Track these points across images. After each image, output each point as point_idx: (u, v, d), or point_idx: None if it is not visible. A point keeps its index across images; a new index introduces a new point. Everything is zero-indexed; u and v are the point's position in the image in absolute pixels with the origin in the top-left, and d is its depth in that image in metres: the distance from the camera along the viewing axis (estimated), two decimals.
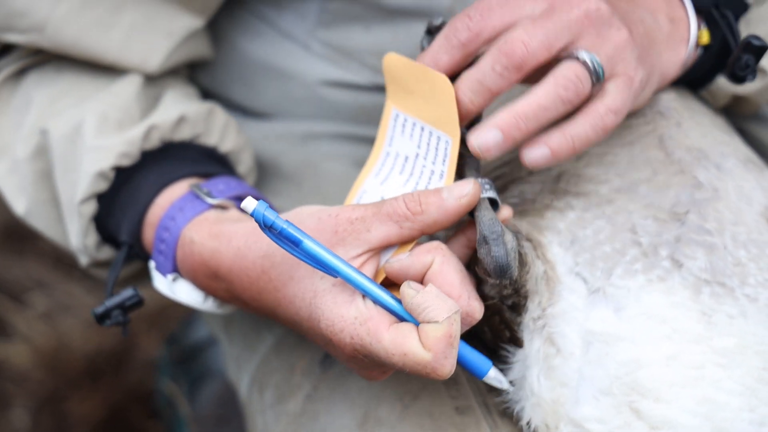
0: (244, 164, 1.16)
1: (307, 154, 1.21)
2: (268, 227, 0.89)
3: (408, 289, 0.89)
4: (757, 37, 1.04)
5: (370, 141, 1.23)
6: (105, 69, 1.13)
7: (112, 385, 1.87)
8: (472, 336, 0.98)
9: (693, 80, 1.10)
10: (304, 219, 0.93)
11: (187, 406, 1.52)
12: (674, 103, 1.08)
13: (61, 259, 2.03)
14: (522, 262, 0.96)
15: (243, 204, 0.88)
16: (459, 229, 0.98)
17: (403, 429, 1.03)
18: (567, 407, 0.96)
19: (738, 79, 1.06)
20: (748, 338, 0.95)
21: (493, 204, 0.97)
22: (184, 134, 1.11)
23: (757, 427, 0.93)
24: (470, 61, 0.97)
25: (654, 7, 1.04)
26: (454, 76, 0.96)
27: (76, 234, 1.10)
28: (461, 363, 0.92)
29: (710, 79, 1.11)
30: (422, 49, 0.98)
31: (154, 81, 1.14)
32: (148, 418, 1.81)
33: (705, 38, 1.07)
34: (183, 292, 1.06)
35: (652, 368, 0.94)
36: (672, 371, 0.94)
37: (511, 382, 0.98)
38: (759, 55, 1.05)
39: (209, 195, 1.05)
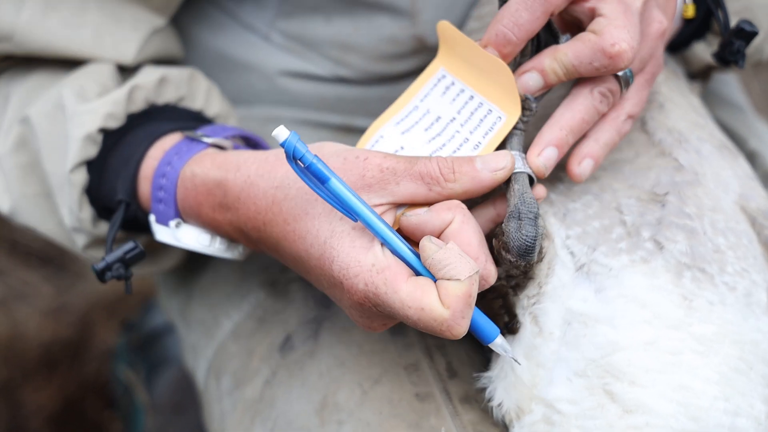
0: (232, 120, 1.14)
1: (268, 136, 1.20)
2: (295, 160, 0.87)
3: (429, 244, 0.88)
4: (748, 22, 1.05)
5: (331, 127, 1.23)
6: (80, 63, 1.12)
7: (68, 375, 1.86)
8: None
9: (669, 46, 1.11)
10: (327, 156, 0.91)
11: (145, 394, 1.52)
12: (658, 85, 1.08)
13: (16, 246, 2.01)
14: (541, 249, 0.96)
15: (275, 132, 0.86)
16: (488, 200, 0.97)
17: (362, 415, 1.02)
18: (540, 388, 0.96)
19: (726, 63, 1.06)
20: (726, 327, 0.95)
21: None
22: (168, 96, 1.10)
23: (732, 416, 0.93)
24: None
25: None
26: (534, 43, 0.96)
27: (70, 210, 1.08)
28: (471, 326, 0.90)
29: (686, 45, 1.11)
30: (502, 3, 0.95)
31: (129, 71, 1.13)
32: (105, 408, 1.80)
33: (690, 12, 1.08)
34: (188, 237, 1.03)
35: (629, 352, 0.94)
36: (649, 356, 0.93)
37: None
38: (749, 40, 1.05)
39: (205, 136, 1.03)
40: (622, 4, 0.93)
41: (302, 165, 0.88)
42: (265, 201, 0.94)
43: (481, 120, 0.97)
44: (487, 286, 0.91)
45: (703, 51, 1.13)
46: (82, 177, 1.06)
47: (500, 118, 0.97)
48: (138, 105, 1.08)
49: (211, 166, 0.99)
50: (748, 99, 1.37)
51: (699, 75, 1.18)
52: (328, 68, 1.20)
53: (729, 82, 1.34)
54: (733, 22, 1.07)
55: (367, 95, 1.21)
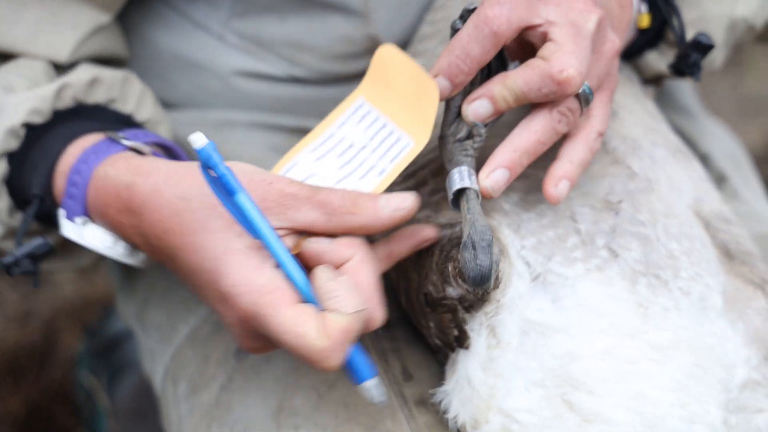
0: (163, 125, 1.14)
1: (222, 141, 1.20)
2: (208, 169, 0.88)
3: (323, 273, 0.88)
4: (705, 35, 1.05)
5: (285, 129, 1.23)
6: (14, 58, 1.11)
7: (34, 382, 1.85)
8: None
9: (623, 54, 1.11)
10: (234, 174, 0.91)
11: (106, 399, 1.52)
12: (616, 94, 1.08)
13: None
14: (498, 276, 0.95)
15: (192, 137, 0.86)
16: (384, 240, 0.98)
17: (317, 419, 1.02)
18: (498, 398, 0.96)
19: (682, 74, 1.07)
20: (681, 333, 0.95)
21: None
22: (98, 97, 1.09)
23: (687, 423, 0.93)
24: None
25: None
26: (483, 71, 0.96)
27: None
28: (347, 363, 0.90)
29: (639, 54, 1.12)
30: (453, 31, 0.96)
31: (64, 70, 1.12)
32: (71, 415, 1.79)
33: (645, 22, 1.08)
34: (92, 236, 1.02)
35: (587, 362, 0.94)
36: (606, 365, 0.94)
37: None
38: (706, 53, 1.06)
39: (125, 138, 1.03)
40: (574, 27, 0.93)
41: (213, 175, 0.88)
42: (168, 210, 0.94)
43: (390, 147, 0.99)
44: (370, 330, 0.91)
45: (656, 60, 1.14)
46: (1, 168, 1.06)
47: (408, 145, 0.98)
48: (66, 102, 1.07)
49: (125, 169, 0.98)
50: (700, 101, 1.38)
51: (651, 81, 1.19)
52: (282, 68, 1.20)
53: (680, 85, 1.35)
54: (687, 32, 1.08)
55: (322, 95, 1.21)
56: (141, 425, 1.48)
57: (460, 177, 0.94)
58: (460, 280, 0.93)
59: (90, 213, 1.02)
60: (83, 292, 1.93)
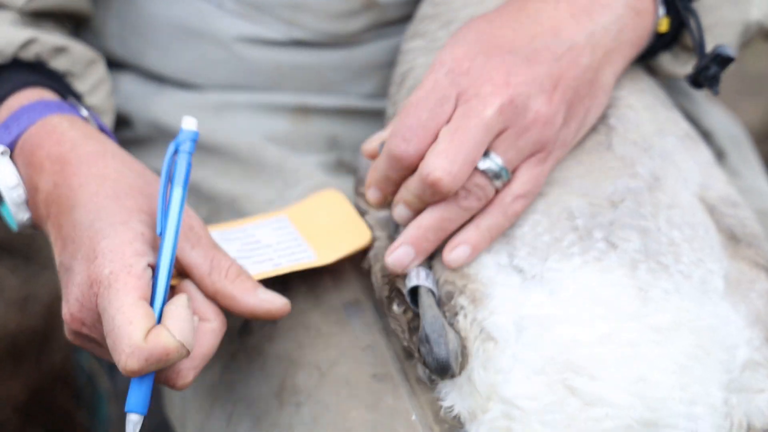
0: (108, 123, 1.15)
1: (220, 127, 1.20)
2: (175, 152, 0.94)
3: (185, 299, 0.93)
4: (726, 47, 1.05)
5: (286, 109, 1.23)
6: None
7: (34, 367, 1.86)
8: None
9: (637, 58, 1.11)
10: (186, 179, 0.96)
11: (107, 382, 1.52)
12: (622, 91, 1.08)
13: None
14: (464, 354, 0.98)
15: (186, 118, 0.93)
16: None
17: (319, 396, 1.03)
18: (498, 388, 0.96)
19: (700, 86, 1.06)
20: (682, 315, 0.96)
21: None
22: (59, 64, 1.10)
23: (688, 405, 0.94)
24: None
25: (618, 5, 1.04)
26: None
27: None
28: (137, 384, 0.92)
29: (652, 56, 1.12)
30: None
31: (33, 19, 1.13)
32: (72, 399, 1.80)
33: (664, 26, 1.08)
34: (1, 169, 1.02)
35: (587, 347, 0.95)
36: (607, 350, 0.94)
37: None
38: (726, 66, 1.05)
39: (83, 108, 1.07)
40: (464, 119, 0.95)
41: (175, 156, 0.94)
42: (97, 171, 0.98)
43: (293, 252, 1.05)
44: (168, 383, 0.94)
45: (670, 62, 1.13)
46: None
47: (310, 257, 1.04)
48: (28, 56, 1.08)
49: (81, 128, 1.02)
50: None
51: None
52: (282, 31, 1.21)
53: None
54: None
55: (323, 62, 1.22)
56: None
57: (416, 275, 1.00)
58: (426, 368, 0.98)
59: (15, 149, 1.03)
60: None
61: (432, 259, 1.02)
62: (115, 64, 1.25)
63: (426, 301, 0.99)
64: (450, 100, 0.97)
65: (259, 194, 1.15)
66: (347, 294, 1.08)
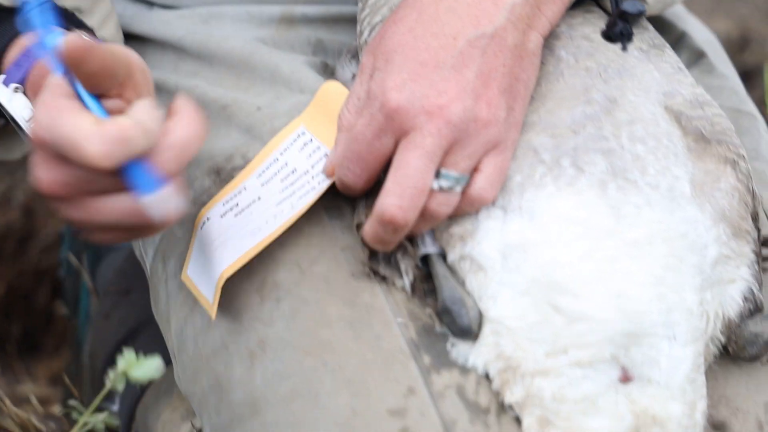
0: (95, 16, 1.16)
1: (209, 35, 1.21)
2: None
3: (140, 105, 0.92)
4: (632, 3, 1.06)
5: (273, 21, 1.24)
6: None
7: (13, 265, 1.86)
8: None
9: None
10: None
11: (89, 279, 1.54)
12: (575, 19, 1.09)
13: None
14: (481, 316, 1.02)
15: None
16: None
17: (299, 293, 1.06)
18: (488, 313, 1.01)
19: (612, 40, 1.08)
20: (654, 227, 0.99)
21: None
22: (67, 2, 1.11)
23: (666, 314, 0.98)
24: None
25: None
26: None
27: None
28: (127, 172, 0.91)
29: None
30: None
31: None
32: (52, 296, 1.81)
33: None
34: (18, 105, 1.04)
35: (569, 267, 0.98)
36: (587, 268, 0.98)
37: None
38: (634, 22, 1.07)
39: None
40: (405, 152, 0.98)
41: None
42: None
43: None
44: (129, 149, 0.90)
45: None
46: None
47: None
48: None
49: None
50: None
51: None
52: None
53: None
54: None
55: None
56: (123, 304, 1.50)
57: (422, 243, 1.03)
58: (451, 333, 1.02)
59: (26, 82, 1.04)
60: None
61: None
62: None
63: (440, 271, 1.02)
64: (387, 133, 0.99)
65: (251, 101, 1.17)
66: (329, 202, 1.10)
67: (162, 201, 0.92)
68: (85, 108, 0.91)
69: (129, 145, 0.89)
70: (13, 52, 1.06)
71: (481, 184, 1.00)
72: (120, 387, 0.92)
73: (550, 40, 1.06)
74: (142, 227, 0.96)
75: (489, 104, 0.99)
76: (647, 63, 1.07)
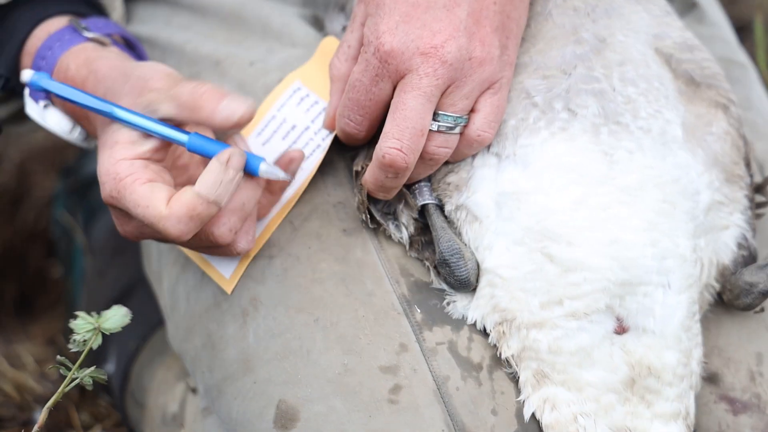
0: (117, 12, 1.17)
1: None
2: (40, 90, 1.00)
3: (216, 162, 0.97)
4: None
5: None
6: None
7: (7, 224, 1.86)
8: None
9: None
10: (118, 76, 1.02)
11: (83, 237, 1.54)
12: None
13: None
14: (479, 268, 1.02)
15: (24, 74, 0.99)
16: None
17: (291, 249, 1.06)
18: (484, 263, 1.01)
19: None
20: (647, 172, 0.99)
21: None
22: None
23: (659, 260, 0.98)
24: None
25: None
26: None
27: None
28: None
29: None
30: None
31: None
32: (45, 256, 1.81)
33: None
34: (52, 120, 1.08)
35: (562, 214, 0.99)
36: (580, 215, 0.98)
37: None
38: None
39: (87, 30, 1.08)
40: (402, 95, 0.98)
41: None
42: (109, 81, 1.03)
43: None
44: (200, 220, 0.97)
45: None
46: None
47: None
48: None
49: (83, 63, 1.05)
50: None
51: None
52: None
53: None
54: None
55: None
56: (117, 262, 1.50)
57: (419, 194, 1.04)
58: (448, 286, 1.03)
59: (52, 98, 1.07)
60: (54, 136, 1.93)
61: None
62: None
63: (438, 222, 1.02)
64: (384, 78, 0.99)
65: (244, 55, 1.17)
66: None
67: (270, 166, 1.01)
68: (151, 185, 0.98)
69: (200, 219, 0.96)
70: (26, 61, 1.09)
71: (479, 125, 1.00)
72: (96, 345, 0.96)
73: None
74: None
75: (483, 42, 0.99)
76: (635, 4, 1.07)
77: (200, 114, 0.98)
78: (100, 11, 1.16)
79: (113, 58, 1.05)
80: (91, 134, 1.09)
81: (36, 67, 1.06)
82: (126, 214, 0.99)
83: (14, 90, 1.11)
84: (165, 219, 0.95)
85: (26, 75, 1.01)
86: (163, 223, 0.95)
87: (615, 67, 1.02)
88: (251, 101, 0.98)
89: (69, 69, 1.05)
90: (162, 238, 0.98)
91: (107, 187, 0.98)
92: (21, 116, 1.18)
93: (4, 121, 1.17)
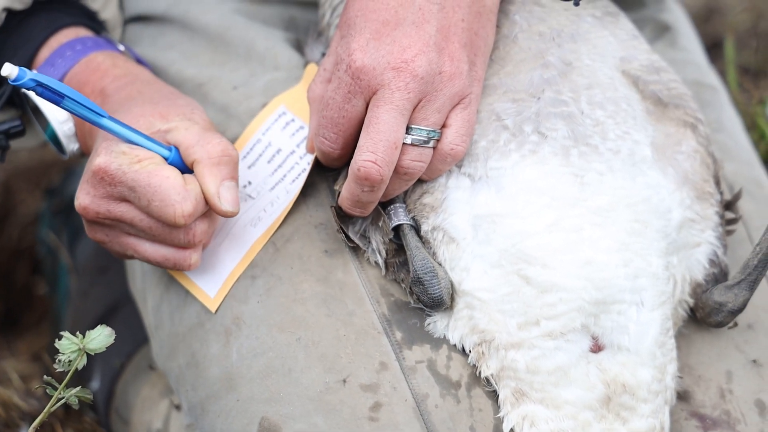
0: (116, 31, 1.21)
1: (187, 10, 1.23)
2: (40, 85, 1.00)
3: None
4: None
5: None
6: None
7: None
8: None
9: None
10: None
11: (68, 257, 1.54)
12: None
13: None
14: (453, 288, 1.04)
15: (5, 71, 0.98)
16: None
17: (274, 270, 1.08)
18: (461, 285, 1.03)
19: None
20: (617, 193, 1.01)
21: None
22: None
23: (632, 280, 1.00)
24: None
25: None
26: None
27: None
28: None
29: None
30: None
31: None
32: (31, 273, 1.81)
33: None
34: (52, 106, 1.10)
35: (537, 237, 1.00)
36: (554, 238, 1.00)
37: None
38: None
39: (118, 43, 1.14)
40: (375, 110, 1.00)
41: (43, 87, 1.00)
42: (126, 91, 1.09)
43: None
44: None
45: None
46: None
47: None
48: None
49: (123, 63, 1.11)
50: None
51: None
52: None
53: None
54: None
55: None
56: (101, 281, 1.50)
57: (394, 214, 1.05)
58: (421, 304, 1.04)
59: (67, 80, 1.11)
60: (39, 155, 1.93)
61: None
62: None
63: (412, 242, 1.04)
64: (356, 94, 1.01)
65: (227, 78, 1.18)
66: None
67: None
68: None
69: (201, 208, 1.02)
70: (44, 52, 1.12)
71: (451, 138, 1.02)
72: (81, 366, 0.97)
73: (504, 4, 1.07)
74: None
75: (452, 57, 1.01)
76: (601, 29, 1.09)
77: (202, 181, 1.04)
78: (101, 28, 1.19)
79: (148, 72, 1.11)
80: (83, 148, 1.11)
81: (57, 55, 1.11)
82: (107, 190, 1.02)
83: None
84: (185, 193, 1.00)
85: (7, 68, 0.99)
86: (183, 197, 1.00)
87: (583, 90, 1.04)
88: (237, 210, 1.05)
89: (104, 62, 1.11)
90: (157, 217, 1.02)
91: (115, 162, 1.01)
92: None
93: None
